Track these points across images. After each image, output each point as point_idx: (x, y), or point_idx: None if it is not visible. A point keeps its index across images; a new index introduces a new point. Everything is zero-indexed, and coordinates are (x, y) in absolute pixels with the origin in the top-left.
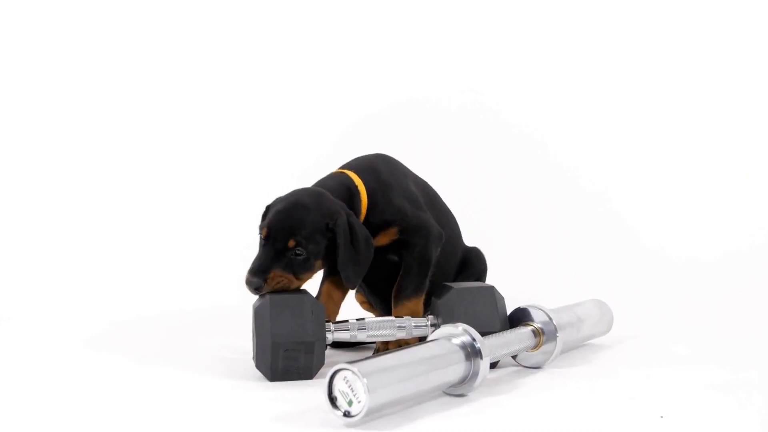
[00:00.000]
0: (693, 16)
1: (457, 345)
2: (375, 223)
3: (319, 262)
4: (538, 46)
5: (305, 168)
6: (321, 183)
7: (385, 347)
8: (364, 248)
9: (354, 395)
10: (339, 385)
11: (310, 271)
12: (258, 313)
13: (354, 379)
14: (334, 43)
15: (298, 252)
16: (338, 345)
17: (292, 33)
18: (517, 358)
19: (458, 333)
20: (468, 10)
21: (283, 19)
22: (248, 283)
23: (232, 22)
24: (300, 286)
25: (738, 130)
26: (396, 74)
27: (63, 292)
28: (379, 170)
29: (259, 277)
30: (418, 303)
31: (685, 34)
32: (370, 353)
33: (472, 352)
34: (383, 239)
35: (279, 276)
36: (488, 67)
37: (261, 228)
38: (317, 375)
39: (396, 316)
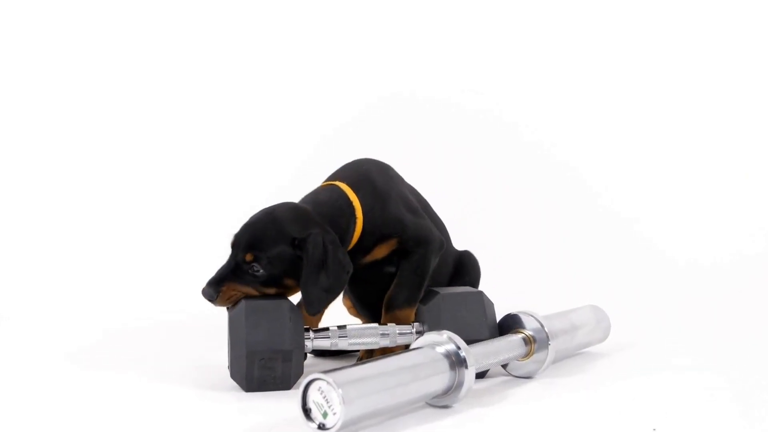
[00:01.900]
0: (693, 17)
1: (441, 353)
2: (374, 235)
3: (289, 280)
4: (538, 47)
5: (300, 173)
6: (312, 198)
7: (369, 356)
8: (336, 275)
9: (329, 407)
10: (313, 395)
11: (274, 287)
12: (233, 320)
13: (329, 390)
14: (332, 41)
15: (255, 268)
16: (322, 353)
17: (288, 32)
18: (507, 368)
19: (443, 341)
20: (467, 10)
21: (281, 18)
22: (202, 292)
23: (228, 23)
24: None
25: (738, 130)
26: (395, 74)
27: (60, 293)
28: (374, 181)
29: (213, 288)
30: (410, 314)
31: (685, 35)
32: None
33: (456, 361)
34: (383, 251)
35: (232, 290)
36: (488, 67)
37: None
38: (296, 385)
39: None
